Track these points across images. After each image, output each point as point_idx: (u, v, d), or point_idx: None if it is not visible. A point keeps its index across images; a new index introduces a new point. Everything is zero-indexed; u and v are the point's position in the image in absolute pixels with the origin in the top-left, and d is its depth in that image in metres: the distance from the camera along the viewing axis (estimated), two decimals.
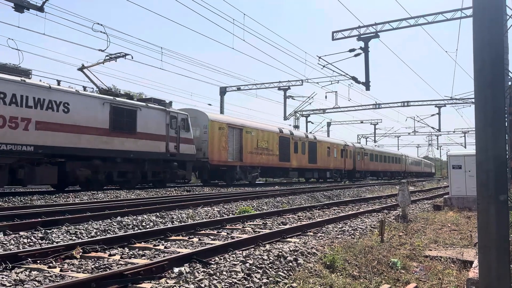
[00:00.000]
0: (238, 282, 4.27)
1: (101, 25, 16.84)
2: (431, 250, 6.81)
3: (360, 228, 8.50)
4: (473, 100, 3.01)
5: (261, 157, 26.07)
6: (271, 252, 5.44)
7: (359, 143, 59.78)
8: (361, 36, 20.68)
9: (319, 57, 21.42)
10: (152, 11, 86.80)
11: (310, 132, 34.29)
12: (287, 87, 35.61)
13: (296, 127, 40.85)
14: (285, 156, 28.81)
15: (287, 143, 29.31)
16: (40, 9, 14.83)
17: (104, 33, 16.83)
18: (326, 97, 41.98)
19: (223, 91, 35.03)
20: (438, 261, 6.03)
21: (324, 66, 21.73)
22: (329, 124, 53.67)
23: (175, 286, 4.04)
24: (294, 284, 4.44)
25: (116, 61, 17.87)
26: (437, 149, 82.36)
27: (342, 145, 39.21)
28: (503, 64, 2.85)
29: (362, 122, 56.88)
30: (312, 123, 47.28)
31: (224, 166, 23.27)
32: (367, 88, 22.16)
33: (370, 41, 20.76)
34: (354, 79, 23.78)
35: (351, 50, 20.69)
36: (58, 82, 14.91)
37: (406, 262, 5.87)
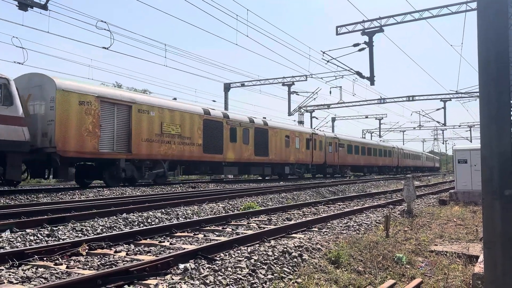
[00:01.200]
0: (243, 278, 4.29)
1: (105, 22, 16.89)
2: (437, 245, 6.79)
3: (365, 223, 8.50)
4: (478, 94, 2.98)
5: (168, 147, 18.50)
6: (276, 248, 5.45)
7: (364, 137, 59.46)
8: (366, 31, 20.58)
9: (323, 52, 21.37)
10: (155, 8, 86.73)
11: (264, 118, 27.34)
12: (291, 83, 35.55)
13: (301, 122, 40.84)
14: (214, 146, 21.50)
15: (219, 129, 21.87)
16: (44, 7, 14.89)
17: (108, 30, 16.85)
18: (330, 92, 41.38)
19: (227, 87, 35.03)
20: (444, 256, 6.01)
21: (328, 61, 21.70)
22: (333, 120, 53.60)
23: (180, 282, 4.06)
24: (299, 280, 4.45)
25: None
26: (443, 143, 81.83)
27: (309, 134, 31.70)
28: (508, 58, 2.82)
29: (367, 117, 56.63)
30: (317, 119, 46.96)
31: (93, 159, 16.08)
32: (372, 83, 22.10)
33: (374, 35, 20.70)
34: (359, 74, 23.74)
35: (356, 45, 20.62)
36: None
37: (412, 257, 5.86)
